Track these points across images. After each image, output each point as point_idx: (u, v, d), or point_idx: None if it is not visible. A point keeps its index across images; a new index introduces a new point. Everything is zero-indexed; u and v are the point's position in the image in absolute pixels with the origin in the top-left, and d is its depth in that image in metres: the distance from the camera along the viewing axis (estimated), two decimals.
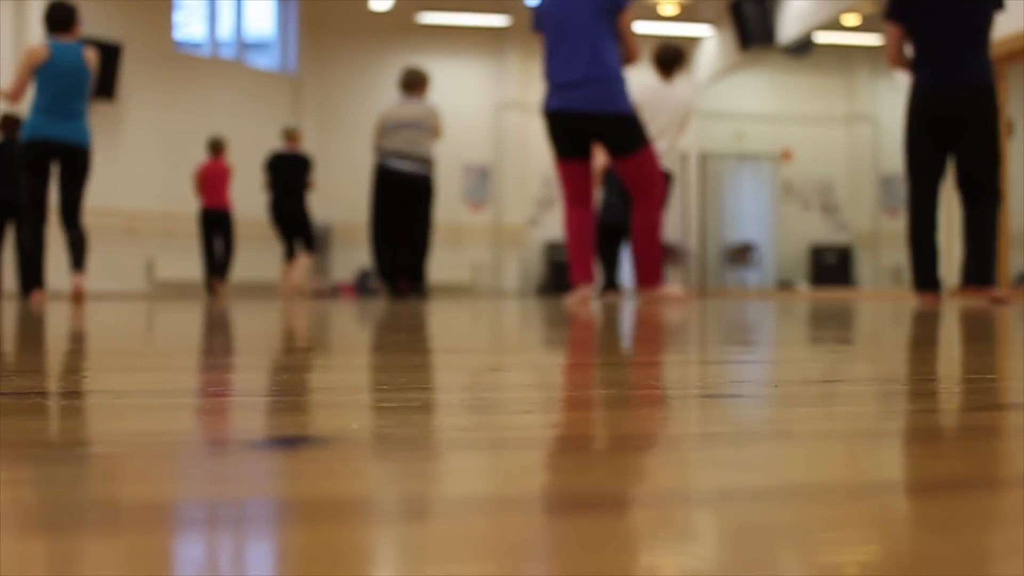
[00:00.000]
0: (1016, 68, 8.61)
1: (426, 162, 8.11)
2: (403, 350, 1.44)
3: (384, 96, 14.96)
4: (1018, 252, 9.54)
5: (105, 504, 0.42)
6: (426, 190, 8.15)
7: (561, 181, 5.39)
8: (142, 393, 0.87)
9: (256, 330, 2.15)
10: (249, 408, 0.76)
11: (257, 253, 13.29)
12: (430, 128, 8.12)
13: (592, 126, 5.24)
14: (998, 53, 7.09)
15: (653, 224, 5.44)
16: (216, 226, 10.59)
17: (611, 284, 8.34)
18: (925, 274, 5.20)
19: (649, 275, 5.47)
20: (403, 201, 8.09)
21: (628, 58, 5.33)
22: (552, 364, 1.19)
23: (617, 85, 5.21)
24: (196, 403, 0.80)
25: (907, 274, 13.42)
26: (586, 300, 5.27)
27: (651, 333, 1.98)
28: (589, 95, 5.18)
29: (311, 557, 0.34)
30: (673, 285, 5.54)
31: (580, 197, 5.38)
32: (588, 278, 5.36)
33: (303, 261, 10.37)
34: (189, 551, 0.35)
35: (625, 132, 5.26)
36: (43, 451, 0.56)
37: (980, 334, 1.91)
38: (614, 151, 5.29)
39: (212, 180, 10.60)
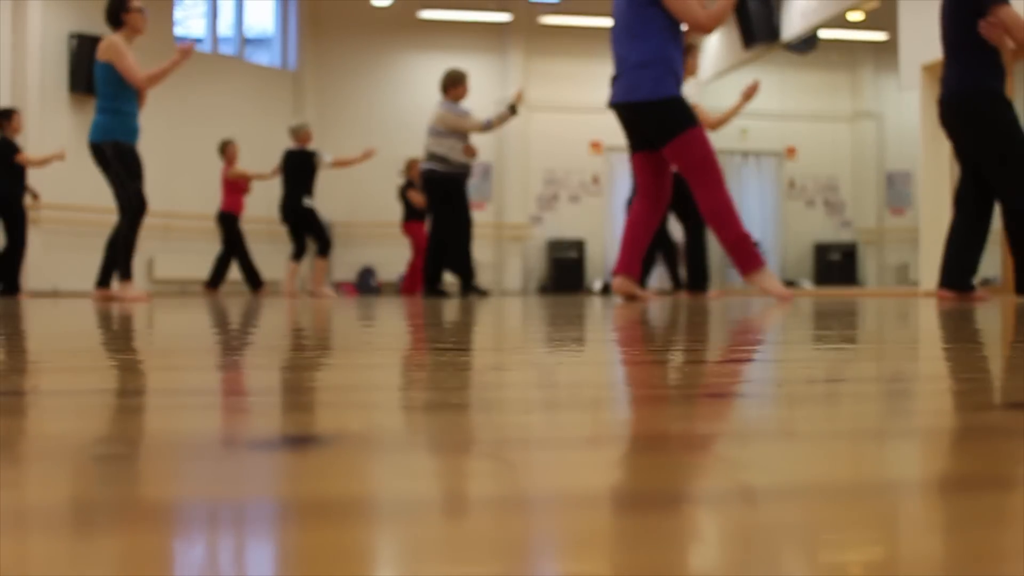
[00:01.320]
0: None
1: (439, 160, 8.37)
2: (402, 349, 1.44)
3: (385, 93, 14.87)
4: None
5: (106, 505, 0.41)
6: (439, 186, 8.41)
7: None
8: (141, 393, 0.86)
9: (258, 329, 2.15)
10: (252, 407, 0.75)
11: (258, 253, 13.21)
12: (443, 130, 8.37)
13: (632, 116, 5.20)
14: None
15: (719, 209, 5.07)
16: (221, 228, 10.70)
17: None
18: (945, 273, 5.20)
19: (741, 260, 5.12)
20: (432, 201, 8.56)
21: (697, 30, 5.13)
22: (551, 363, 1.18)
23: (650, 72, 5.08)
24: (199, 402, 0.79)
25: (912, 272, 13.35)
26: (622, 288, 5.27)
27: (654, 331, 1.97)
28: (625, 86, 5.16)
29: (315, 558, 0.33)
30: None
31: (643, 189, 5.32)
32: (621, 269, 5.30)
33: (316, 266, 10.37)
34: (191, 552, 0.35)
35: (660, 118, 5.12)
36: (44, 451, 0.55)
37: (989, 333, 1.88)
38: (656, 140, 5.17)
39: (222, 183, 10.82)
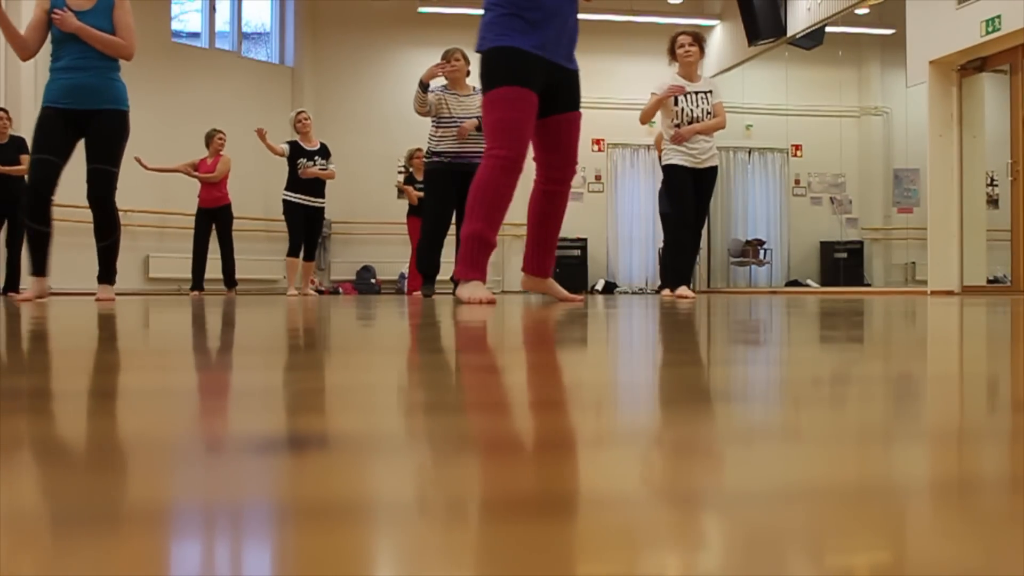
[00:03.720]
0: None
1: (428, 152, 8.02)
2: (400, 349, 1.45)
3: (384, 89, 14.69)
4: None
5: (104, 505, 0.41)
6: (425, 177, 8.05)
7: None
8: (133, 394, 0.85)
9: (255, 328, 2.15)
10: (250, 408, 0.75)
11: (252, 251, 13.05)
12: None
13: None
14: None
15: (484, 195, 4.23)
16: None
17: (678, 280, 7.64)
18: None
19: (465, 260, 4.28)
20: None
21: None
22: (548, 362, 1.18)
23: (485, 17, 4.38)
24: (196, 403, 0.79)
25: (920, 271, 13.15)
26: (533, 287, 4.61)
27: (651, 331, 1.96)
28: None
29: (312, 562, 0.33)
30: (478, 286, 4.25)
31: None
32: (529, 266, 4.66)
33: (297, 267, 10.28)
34: (189, 554, 0.35)
35: (481, 71, 4.41)
36: (43, 452, 0.55)
37: (1000, 332, 1.86)
38: None
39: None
